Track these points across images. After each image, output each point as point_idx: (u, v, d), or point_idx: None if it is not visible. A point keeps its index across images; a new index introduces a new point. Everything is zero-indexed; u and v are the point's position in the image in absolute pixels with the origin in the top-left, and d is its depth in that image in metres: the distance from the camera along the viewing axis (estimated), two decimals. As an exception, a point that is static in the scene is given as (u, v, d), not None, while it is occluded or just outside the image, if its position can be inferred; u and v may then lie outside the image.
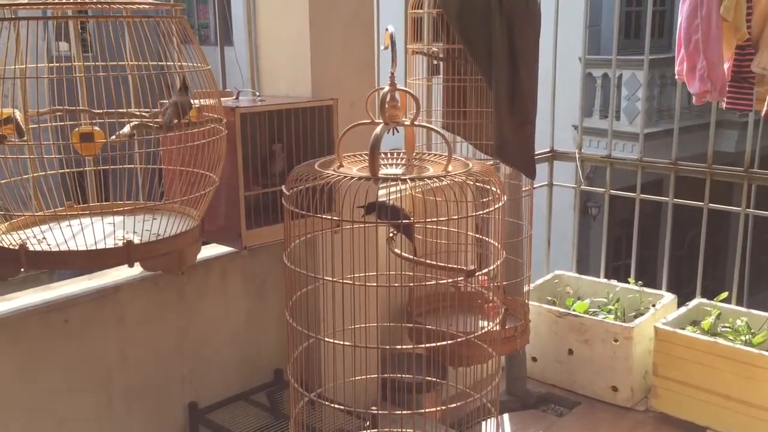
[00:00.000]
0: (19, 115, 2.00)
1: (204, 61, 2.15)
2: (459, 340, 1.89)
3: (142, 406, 2.60)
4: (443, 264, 1.85)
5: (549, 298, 4.03)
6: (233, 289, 2.84)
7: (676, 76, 3.37)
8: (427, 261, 1.86)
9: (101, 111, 2.20)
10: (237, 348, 2.87)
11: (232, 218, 2.51)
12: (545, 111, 3.70)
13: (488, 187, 1.95)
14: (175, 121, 2.01)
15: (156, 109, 2.23)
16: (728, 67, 3.17)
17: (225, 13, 4.14)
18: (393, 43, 1.92)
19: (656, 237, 9.54)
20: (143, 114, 2.19)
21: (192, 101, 2.07)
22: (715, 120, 3.92)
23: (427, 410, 2.03)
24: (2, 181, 2.06)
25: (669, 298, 3.85)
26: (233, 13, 3.63)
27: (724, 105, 3.25)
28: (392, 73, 1.92)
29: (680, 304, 3.81)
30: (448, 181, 1.86)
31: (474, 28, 3.00)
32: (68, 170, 2.30)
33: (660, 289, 4.03)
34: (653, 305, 3.80)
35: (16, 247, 1.95)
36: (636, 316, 3.75)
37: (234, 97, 2.63)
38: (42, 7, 2.02)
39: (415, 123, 1.95)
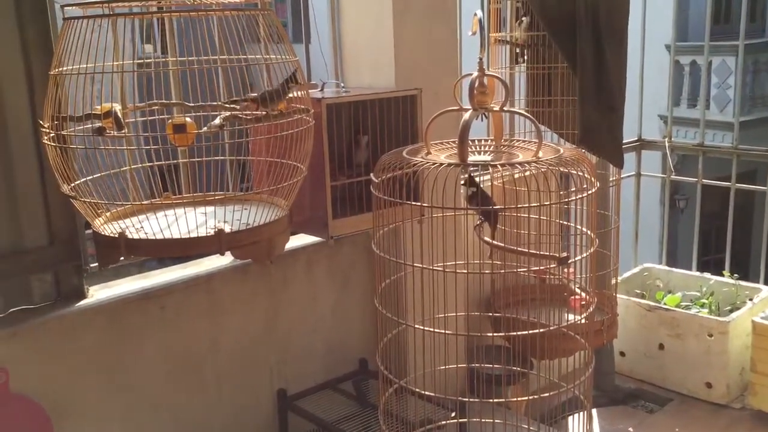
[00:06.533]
0: (118, 108, 2.08)
1: (292, 53, 2.17)
2: (551, 328, 1.85)
3: (233, 392, 2.67)
4: (535, 251, 1.81)
5: (638, 292, 3.90)
6: (319, 279, 2.88)
7: None
8: (518, 249, 1.83)
9: (195, 105, 2.27)
10: (323, 337, 2.91)
11: (318, 208, 2.54)
12: (631, 99, 3.58)
13: (579, 173, 1.89)
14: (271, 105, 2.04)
15: (245, 102, 2.28)
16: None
17: (305, 9, 4.19)
18: (481, 28, 1.89)
19: (748, 232, 9.11)
20: (234, 107, 2.24)
21: (281, 91, 2.10)
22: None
23: (517, 399, 2.00)
24: (103, 173, 2.15)
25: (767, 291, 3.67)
26: (312, 9, 3.72)
27: None
28: (480, 59, 1.90)
29: (780, 298, 3.62)
30: (538, 168, 1.82)
31: (557, 10, 2.92)
32: (165, 162, 2.38)
33: (757, 282, 3.84)
34: (750, 299, 3.63)
35: (116, 235, 2.04)
36: (732, 311, 3.59)
37: (319, 89, 2.66)
38: (134, 4, 2.10)
39: (505, 109, 1.92)
